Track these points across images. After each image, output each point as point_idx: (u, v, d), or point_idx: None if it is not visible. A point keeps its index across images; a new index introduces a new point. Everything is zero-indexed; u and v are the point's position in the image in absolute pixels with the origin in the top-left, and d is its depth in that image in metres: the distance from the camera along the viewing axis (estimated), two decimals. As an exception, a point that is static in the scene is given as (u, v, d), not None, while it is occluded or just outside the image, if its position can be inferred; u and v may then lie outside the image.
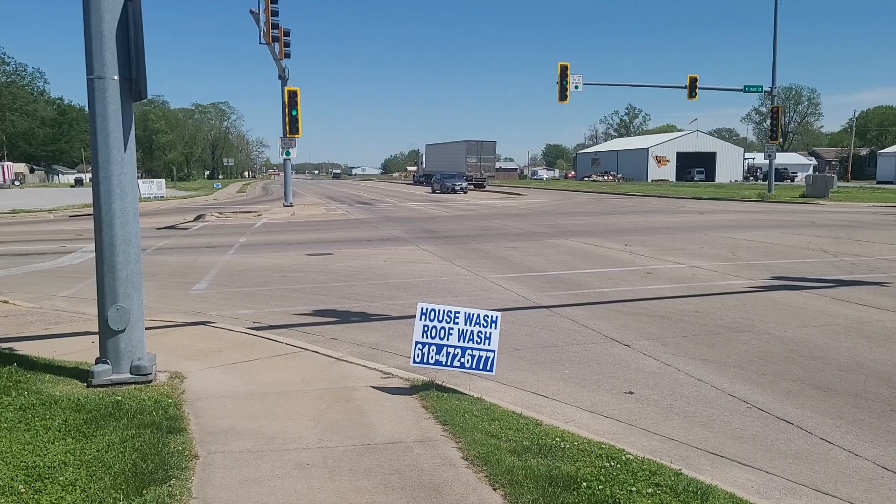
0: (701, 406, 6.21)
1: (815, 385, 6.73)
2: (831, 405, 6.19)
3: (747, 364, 7.41)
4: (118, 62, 5.97)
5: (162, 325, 8.91)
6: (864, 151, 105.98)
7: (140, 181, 53.15)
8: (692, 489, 4.22)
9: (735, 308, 10.18)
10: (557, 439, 4.99)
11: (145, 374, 6.21)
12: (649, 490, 4.19)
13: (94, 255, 6.35)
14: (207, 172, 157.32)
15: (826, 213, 30.47)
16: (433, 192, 63.15)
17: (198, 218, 30.75)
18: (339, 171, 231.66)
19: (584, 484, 4.23)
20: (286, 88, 34.16)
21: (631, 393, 6.58)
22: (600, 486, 4.20)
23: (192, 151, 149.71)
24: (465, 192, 58.88)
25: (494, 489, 4.29)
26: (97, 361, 6.24)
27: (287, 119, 34.14)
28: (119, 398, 5.65)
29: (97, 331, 6.33)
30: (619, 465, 4.52)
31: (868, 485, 4.73)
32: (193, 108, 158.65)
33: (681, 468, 4.62)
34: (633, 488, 4.19)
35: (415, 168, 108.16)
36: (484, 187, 74.43)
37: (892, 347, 7.98)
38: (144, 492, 4.07)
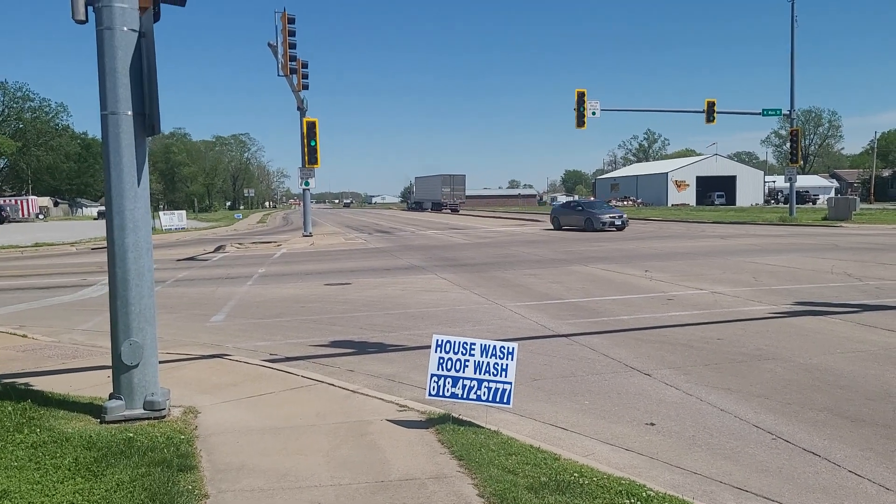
0: (725, 438, 6.04)
1: (843, 415, 6.53)
2: (860, 436, 5.99)
3: (772, 393, 7.22)
4: (132, 98, 6.00)
5: (178, 358, 8.88)
6: (886, 173, 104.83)
7: (161, 213, 53.80)
8: (716, 527, 4.07)
9: (758, 335, 9.98)
10: (576, 474, 4.85)
11: (159, 410, 6.16)
12: (671, 529, 4.04)
13: (109, 289, 6.34)
14: (228, 203, 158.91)
15: (849, 235, 30.04)
16: (556, 227, 41.80)
17: (217, 249, 30.95)
18: (349, 200, 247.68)
19: (604, 522, 4.09)
20: (305, 119, 34.52)
21: (652, 424, 6.42)
22: (620, 525, 4.06)
23: (213, 183, 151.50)
24: (622, 229, 37.80)
25: (511, 528, 4.16)
26: (110, 397, 6.20)
27: (306, 150, 34.44)
28: (131, 435, 5.60)
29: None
30: (639, 503, 4.37)
31: (901, 521, 4.54)
32: (214, 140, 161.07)
33: (704, 505, 4.46)
34: (655, 527, 4.05)
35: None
36: (458, 211, 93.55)
37: (922, 375, 7.74)
38: (153, 533, 3.99)
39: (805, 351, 8.96)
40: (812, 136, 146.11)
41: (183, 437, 5.70)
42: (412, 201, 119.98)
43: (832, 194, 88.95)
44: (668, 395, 7.26)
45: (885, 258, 19.92)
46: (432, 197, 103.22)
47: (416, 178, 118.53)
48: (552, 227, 42.66)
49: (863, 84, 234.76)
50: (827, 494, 4.91)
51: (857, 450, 5.69)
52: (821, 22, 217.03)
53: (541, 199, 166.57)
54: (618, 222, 37.75)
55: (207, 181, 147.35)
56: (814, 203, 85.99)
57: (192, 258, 26.75)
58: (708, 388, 7.44)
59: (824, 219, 41.94)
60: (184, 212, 58.50)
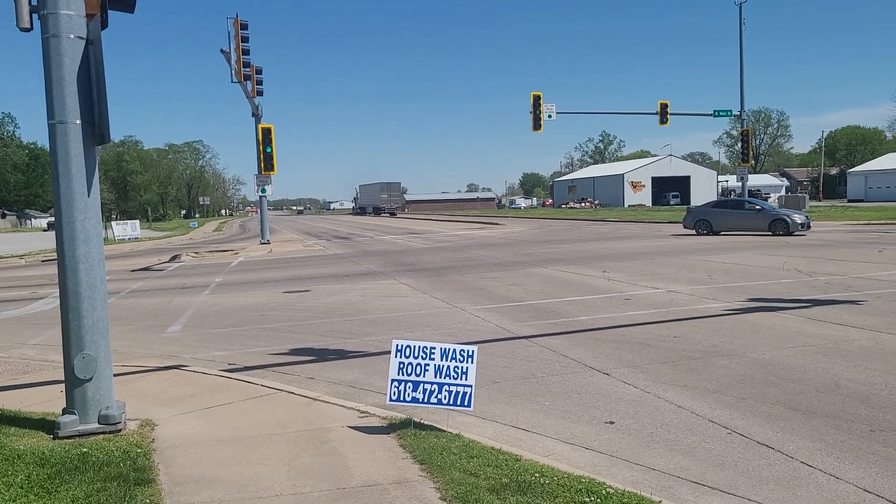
0: (681, 433, 6.15)
1: (795, 407, 6.70)
2: (811, 427, 6.16)
3: (726, 389, 7.37)
4: (80, 106, 5.89)
5: (133, 370, 8.72)
6: (834, 171, 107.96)
7: (114, 223, 52.75)
8: (674, 522, 4.14)
9: (713, 332, 10.18)
10: (537, 475, 4.90)
11: (114, 424, 6.04)
12: (631, 525, 4.10)
13: (59, 302, 6.20)
14: (183, 212, 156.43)
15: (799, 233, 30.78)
16: (702, 231, 31.81)
17: (173, 258, 30.43)
18: (301, 207, 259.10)
19: (565, 521, 4.13)
20: (260, 126, 34.20)
21: (611, 423, 6.50)
22: (581, 523, 4.11)
23: (167, 191, 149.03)
24: (792, 233, 29.02)
25: (473, 530, 4.18)
26: (64, 412, 6.06)
27: (262, 156, 34.11)
28: (85, 450, 5.48)
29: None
30: (599, 500, 4.43)
31: (851, 509, 4.67)
32: (167, 147, 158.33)
33: (661, 500, 4.54)
34: (615, 524, 4.10)
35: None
36: (396, 215, 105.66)
37: (868, 366, 7.99)
38: (109, 549, 3.91)
39: (758, 346, 9.17)
40: (762, 135, 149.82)
41: (140, 450, 5.60)
42: (357, 206, 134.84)
43: (783, 192, 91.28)
44: (627, 394, 7.36)
45: (834, 254, 20.49)
46: (373, 202, 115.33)
47: (359, 185, 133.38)
48: (694, 231, 32.25)
49: (810, 85, 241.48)
50: (780, 486, 5.03)
51: (809, 441, 5.84)
52: (769, 23, 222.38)
53: (499, 202, 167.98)
54: (809, 224, 30.64)
55: (161, 190, 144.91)
56: (766, 201, 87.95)
57: (146, 268, 26.26)
58: (665, 386, 7.56)
59: (775, 217, 42.87)
60: (137, 221, 57.53)
